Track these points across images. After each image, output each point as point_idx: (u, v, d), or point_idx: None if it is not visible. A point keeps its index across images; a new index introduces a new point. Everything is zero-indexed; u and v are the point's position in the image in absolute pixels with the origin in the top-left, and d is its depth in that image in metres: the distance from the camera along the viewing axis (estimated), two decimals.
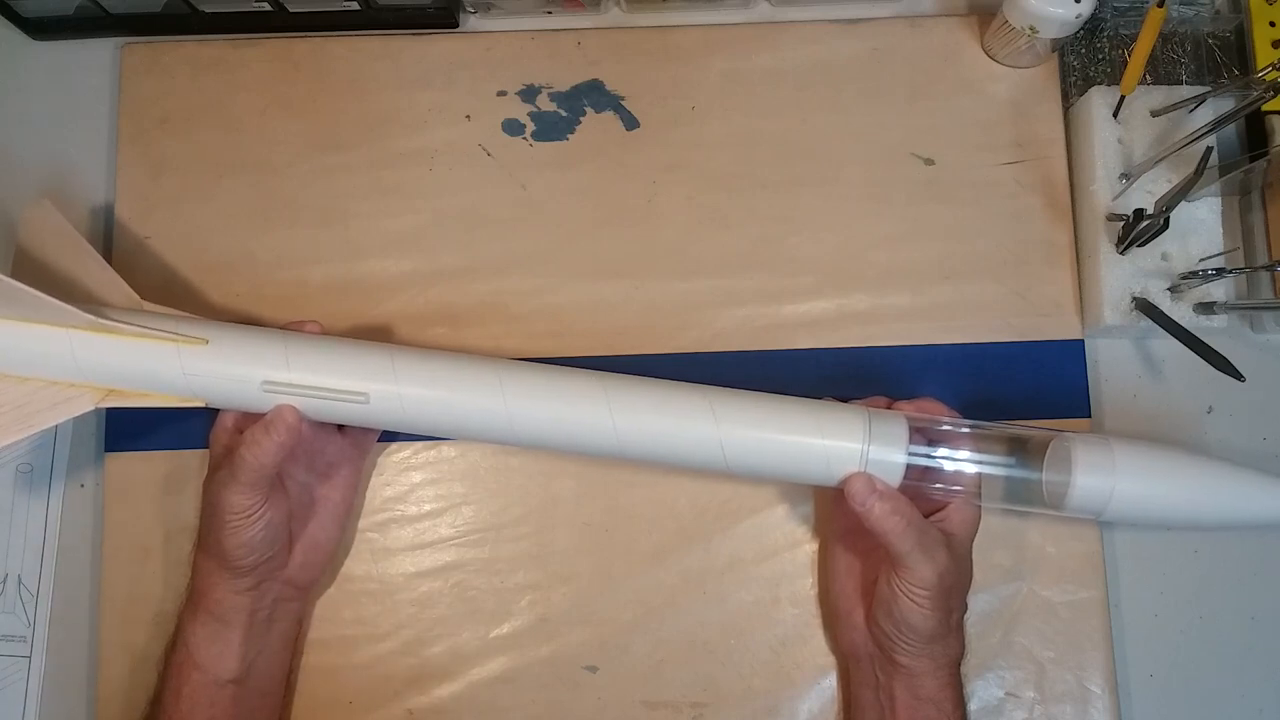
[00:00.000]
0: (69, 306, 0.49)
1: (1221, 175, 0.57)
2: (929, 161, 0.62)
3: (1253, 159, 0.58)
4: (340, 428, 0.57)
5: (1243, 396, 0.60)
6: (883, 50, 0.63)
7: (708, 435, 0.51)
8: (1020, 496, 0.54)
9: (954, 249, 0.61)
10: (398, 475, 0.60)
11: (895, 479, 0.50)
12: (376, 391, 0.51)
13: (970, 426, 0.53)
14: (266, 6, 0.62)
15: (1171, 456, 0.51)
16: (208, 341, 0.51)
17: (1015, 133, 0.62)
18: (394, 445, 0.60)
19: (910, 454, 0.50)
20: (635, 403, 0.51)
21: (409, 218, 0.62)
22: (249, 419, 0.52)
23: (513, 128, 0.62)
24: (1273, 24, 0.62)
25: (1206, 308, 0.58)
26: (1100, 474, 0.50)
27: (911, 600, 0.49)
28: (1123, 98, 0.58)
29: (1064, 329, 0.60)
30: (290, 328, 0.54)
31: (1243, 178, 0.60)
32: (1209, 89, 0.58)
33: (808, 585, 0.58)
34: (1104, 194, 0.59)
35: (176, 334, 0.51)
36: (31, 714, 0.58)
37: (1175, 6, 0.61)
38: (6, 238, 0.61)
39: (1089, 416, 0.60)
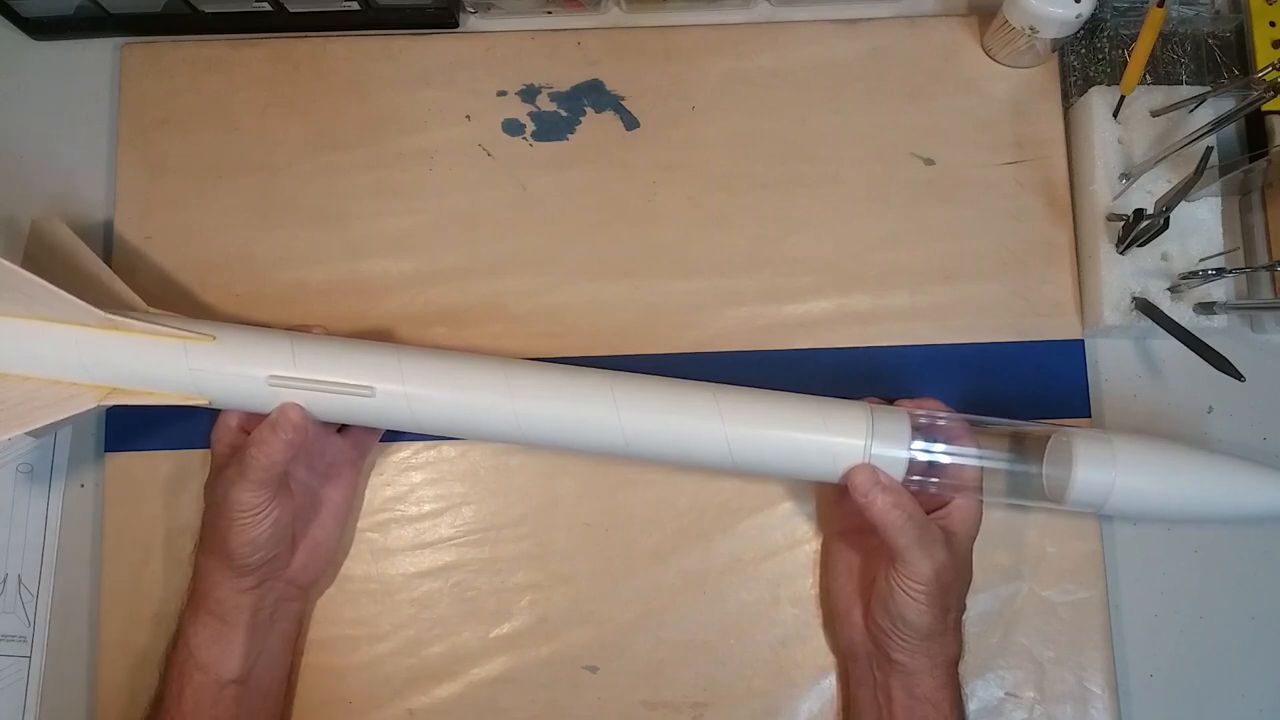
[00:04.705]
0: (81, 302, 0.49)
1: (1221, 175, 0.57)
2: (929, 161, 0.62)
3: (1253, 159, 0.58)
4: (341, 429, 0.57)
5: (1243, 396, 0.60)
6: (883, 50, 0.63)
7: (714, 432, 0.51)
8: (1021, 491, 0.55)
9: (954, 249, 0.61)
10: (398, 475, 0.60)
11: (898, 474, 0.50)
12: (382, 386, 0.51)
13: (971, 422, 0.53)
14: (266, 6, 0.62)
15: (1172, 450, 0.51)
16: (215, 339, 0.51)
17: (1015, 133, 0.62)
18: (394, 445, 0.60)
19: (912, 449, 0.51)
20: (642, 401, 0.52)
21: (409, 218, 0.62)
22: (253, 419, 0.52)
23: (513, 128, 0.62)
24: (1273, 24, 0.62)
25: (1206, 308, 0.58)
26: (1101, 468, 0.50)
27: (908, 595, 0.49)
28: (1123, 98, 0.58)
29: (1064, 329, 0.60)
30: (296, 330, 0.54)
31: (1243, 178, 0.60)
32: (1209, 89, 0.58)
33: (808, 585, 0.58)
34: (1104, 194, 0.59)
35: (184, 330, 0.51)
36: (31, 714, 0.58)
37: (1175, 6, 0.61)
38: (8, 238, 0.61)
39: (1089, 416, 0.60)
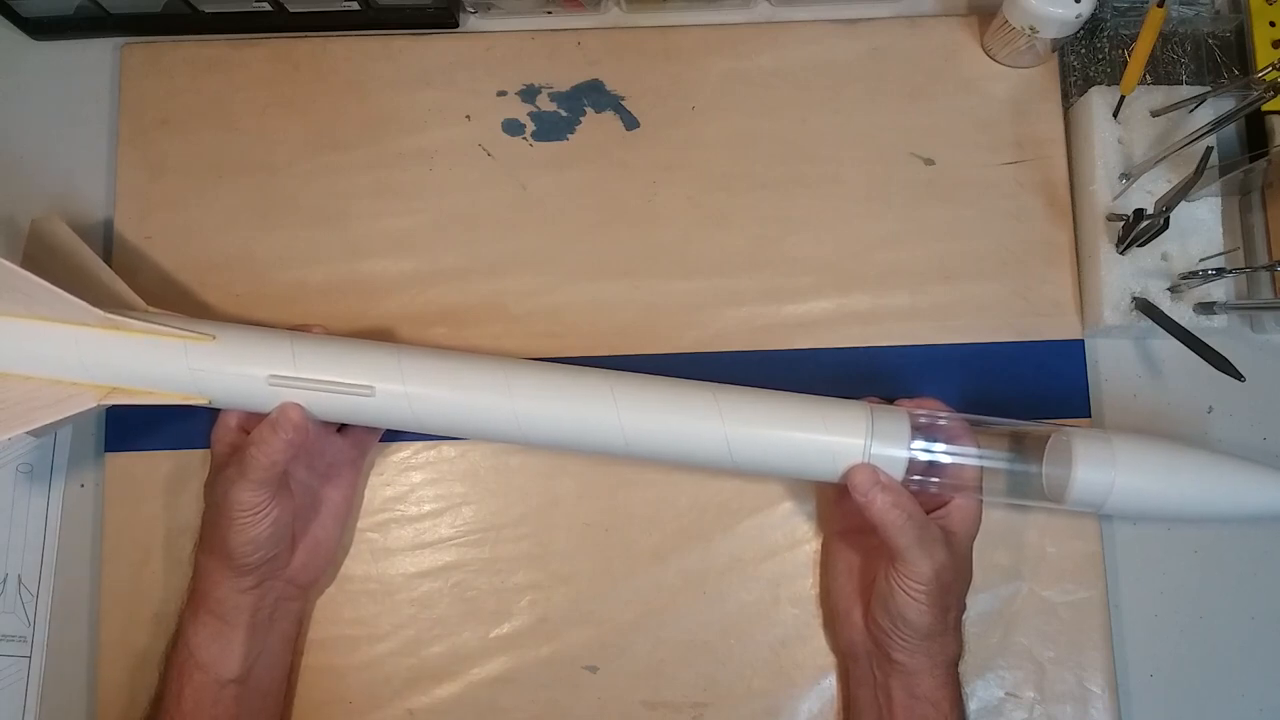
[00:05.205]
0: (81, 302, 0.49)
1: (1221, 175, 0.57)
2: (929, 161, 0.62)
3: (1253, 159, 0.58)
4: (340, 429, 0.57)
5: (1243, 396, 0.60)
6: (883, 50, 0.63)
7: (714, 432, 0.51)
8: (1021, 491, 0.55)
9: (954, 249, 0.61)
10: (398, 475, 0.60)
11: (897, 474, 0.50)
12: (382, 385, 0.51)
13: (971, 422, 0.53)
14: (266, 6, 0.62)
15: (1172, 449, 0.51)
16: (215, 338, 0.51)
17: (1015, 133, 0.62)
18: (394, 445, 0.60)
19: (912, 449, 0.51)
20: (642, 400, 0.52)
21: (409, 218, 0.62)
22: (252, 419, 0.52)
23: (513, 128, 0.63)
24: (1273, 24, 0.62)
25: (1206, 308, 0.58)
26: (1100, 468, 0.50)
27: (909, 595, 0.49)
28: (1123, 98, 0.58)
29: (1064, 329, 0.60)
30: (295, 330, 0.54)
31: (1243, 178, 0.60)
32: (1209, 89, 0.58)
33: (808, 585, 0.58)
34: (1104, 194, 0.59)
35: (184, 330, 0.51)
36: (31, 714, 0.58)
37: (1175, 6, 0.61)
38: (7, 238, 0.62)
39: (1089, 416, 0.60)
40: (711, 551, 0.58)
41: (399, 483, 0.60)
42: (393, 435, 0.59)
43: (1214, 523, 0.59)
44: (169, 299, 0.60)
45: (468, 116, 0.63)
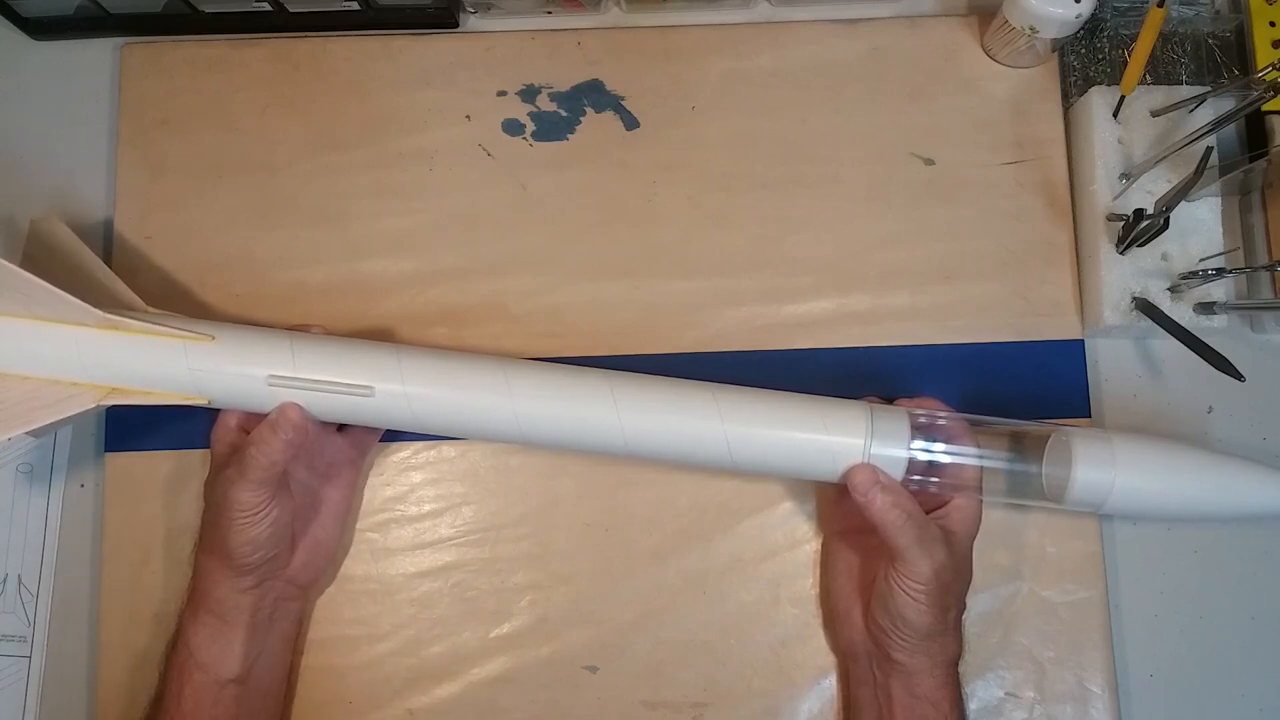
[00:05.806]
0: (80, 302, 0.49)
1: (1221, 175, 0.57)
2: (929, 161, 0.62)
3: (1253, 159, 0.58)
4: (340, 428, 0.57)
5: (1243, 396, 0.60)
6: (883, 50, 0.63)
7: (714, 432, 0.51)
8: (1021, 491, 0.55)
9: (954, 249, 0.61)
10: (398, 475, 0.60)
11: (897, 474, 0.50)
12: (381, 386, 0.51)
13: (971, 422, 0.53)
14: (266, 6, 0.62)
15: (1171, 449, 0.52)
16: (214, 338, 0.51)
17: (1015, 133, 0.62)
18: (394, 445, 0.60)
19: (912, 449, 0.51)
20: (641, 400, 0.52)
21: (409, 218, 0.62)
22: (252, 419, 0.52)
23: (513, 128, 0.63)
24: (1273, 24, 0.62)
25: (1206, 308, 0.58)
26: (1100, 467, 0.50)
27: (908, 595, 0.49)
28: (1123, 98, 0.58)
29: (1064, 329, 0.60)
30: (295, 330, 0.54)
31: (1243, 178, 0.60)
32: (1209, 89, 0.58)
33: (808, 585, 0.58)
34: (1104, 194, 0.59)
35: (184, 330, 0.51)
36: (31, 714, 0.58)
37: (1175, 6, 0.61)
38: (7, 238, 0.62)
39: (1089, 416, 0.60)
40: (711, 551, 0.58)
41: (399, 483, 0.60)
42: (393, 435, 0.59)
43: (1214, 523, 0.59)
44: (169, 299, 0.60)
45: (468, 116, 0.63)
